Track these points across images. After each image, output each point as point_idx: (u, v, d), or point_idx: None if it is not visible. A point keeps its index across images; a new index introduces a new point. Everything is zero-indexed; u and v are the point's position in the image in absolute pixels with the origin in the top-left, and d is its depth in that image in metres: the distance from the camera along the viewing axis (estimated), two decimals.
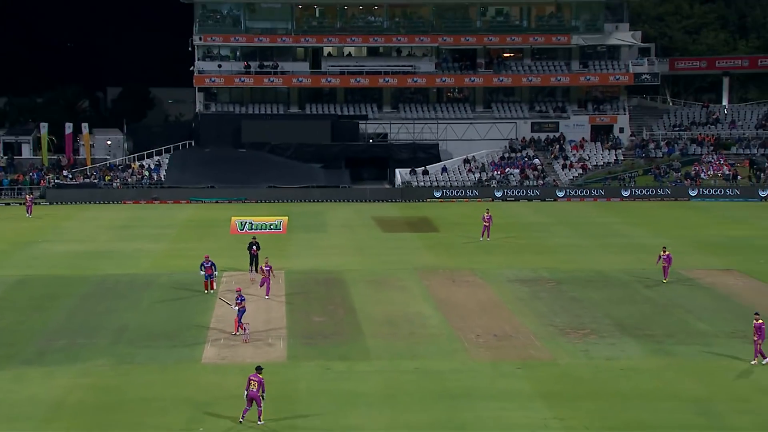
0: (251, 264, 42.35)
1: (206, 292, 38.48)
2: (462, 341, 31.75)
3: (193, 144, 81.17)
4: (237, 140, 79.40)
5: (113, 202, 72.04)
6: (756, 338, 28.84)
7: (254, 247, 42.43)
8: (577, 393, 26.30)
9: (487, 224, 53.19)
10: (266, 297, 37.57)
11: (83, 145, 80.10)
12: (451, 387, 26.81)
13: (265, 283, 37.95)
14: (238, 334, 32.16)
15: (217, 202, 72.42)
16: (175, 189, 73.89)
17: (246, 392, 24.09)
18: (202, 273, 38.89)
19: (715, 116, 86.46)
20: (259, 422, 23.92)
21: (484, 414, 24.49)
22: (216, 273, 39.34)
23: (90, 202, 71.87)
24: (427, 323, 34.25)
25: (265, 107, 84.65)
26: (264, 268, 38.51)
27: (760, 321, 28.84)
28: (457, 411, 24.80)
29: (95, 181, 75.27)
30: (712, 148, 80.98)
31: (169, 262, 46.17)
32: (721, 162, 78.33)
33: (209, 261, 38.88)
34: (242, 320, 32.25)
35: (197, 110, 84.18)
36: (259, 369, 24.50)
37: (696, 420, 24.11)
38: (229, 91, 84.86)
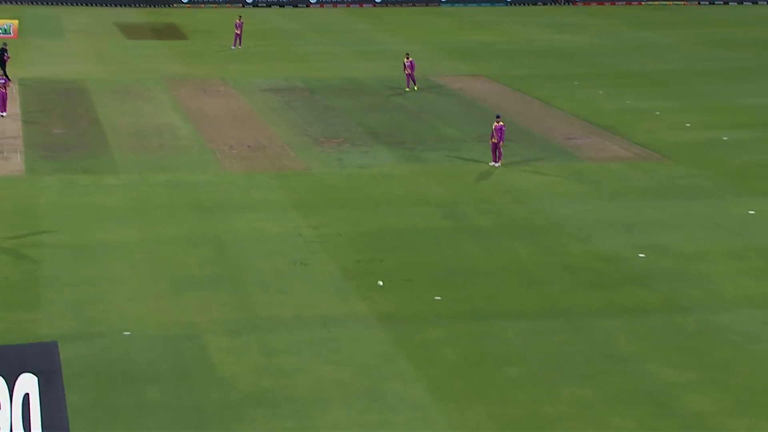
0: None
1: None
2: (214, 152, 31.04)
3: None
4: None
5: None
6: (495, 140, 29.85)
7: (6, 54, 39.02)
8: (330, 201, 26.49)
9: (238, 32, 51.67)
10: (3, 114, 34.62)
11: None
12: (204, 199, 26.25)
13: (1, 99, 34.79)
14: None
15: None
16: None
17: None
18: None
19: None
20: None
21: (238, 225, 24.19)
22: None
23: None
24: (177, 135, 33.22)
25: None
26: None
27: (501, 123, 29.86)
28: (210, 223, 24.34)
29: None
30: None
31: None
32: None
33: None
34: None
35: None
36: None
37: (443, 222, 24.96)
38: None
